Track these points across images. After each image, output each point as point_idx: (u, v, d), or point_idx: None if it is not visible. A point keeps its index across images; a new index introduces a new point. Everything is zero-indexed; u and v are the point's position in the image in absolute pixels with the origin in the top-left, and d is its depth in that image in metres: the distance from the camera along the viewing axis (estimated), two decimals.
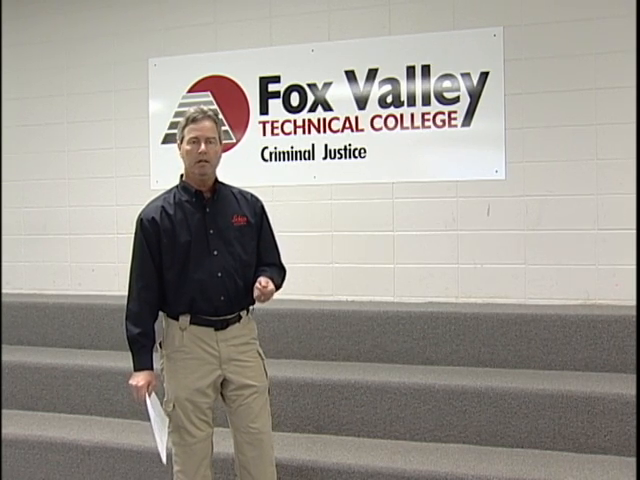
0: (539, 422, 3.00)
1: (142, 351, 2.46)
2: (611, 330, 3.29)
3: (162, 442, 2.42)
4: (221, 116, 4.17)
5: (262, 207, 2.61)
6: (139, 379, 2.44)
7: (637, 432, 2.78)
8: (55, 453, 3.27)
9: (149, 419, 2.45)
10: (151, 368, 2.47)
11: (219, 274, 2.44)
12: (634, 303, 3.43)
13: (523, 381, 3.15)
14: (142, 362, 2.46)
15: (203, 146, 2.41)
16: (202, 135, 2.42)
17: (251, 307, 2.57)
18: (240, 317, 2.51)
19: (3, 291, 4.38)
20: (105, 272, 4.45)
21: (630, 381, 3.07)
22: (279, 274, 2.59)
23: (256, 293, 2.40)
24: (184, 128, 2.45)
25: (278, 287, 2.53)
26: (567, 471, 2.74)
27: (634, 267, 3.43)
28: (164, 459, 2.44)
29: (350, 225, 4.03)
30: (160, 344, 2.53)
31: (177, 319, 2.46)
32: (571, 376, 3.23)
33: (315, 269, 4.08)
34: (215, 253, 2.45)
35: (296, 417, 3.28)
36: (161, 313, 2.53)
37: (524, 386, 3.08)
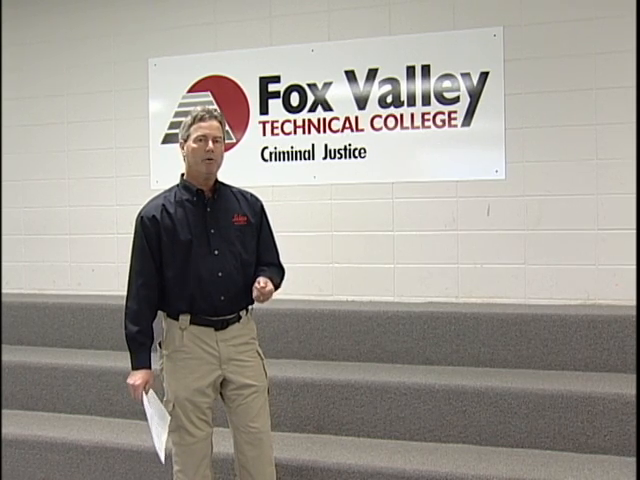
0: (539, 422, 3.00)
1: (140, 350, 2.45)
2: (611, 330, 3.29)
3: (161, 441, 2.41)
4: None
5: (262, 207, 2.62)
6: (136, 378, 2.43)
7: (637, 432, 2.78)
8: (55, 453, 3.27)
9: (146, 419, 2.45)
10: (149, 367, 2.47)
11: (220, 274, 2.44)
12: (634, 303, 3.43)
13: (523, 381, 3.15)
14: (140, 361, 2.45)
15: (211, 144, 2.42)
16: (210, 134, 2.43)
17: (250, 307, 2.57)
18: (240, 317, 2.51)
19: (3, 291, 4.38)
20: (105, 272, 4.45)
21: (630, 381, 3.07)
22: (278, 274, 2.59)
23: (255, 293, 2.41)
24: (190, 126, 2.46)
25: (277, 287, 2.53)
26: (567, 471, 2.74)
27: (634, 267, 3.43)
28: (162, 458, 2.43)
29: (350, 225, 4.03)
30: (160, 344, 2.53)
31: (177, 319, 2.46)
32: (571, 376, 3.23)
33: (315, 269, 4.08)
34: (216, 253, 2.45)
35: (296, 417, 3.27)
36: (161, 313, 2.53)
37: (524, 386, 3.08)
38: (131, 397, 2.48)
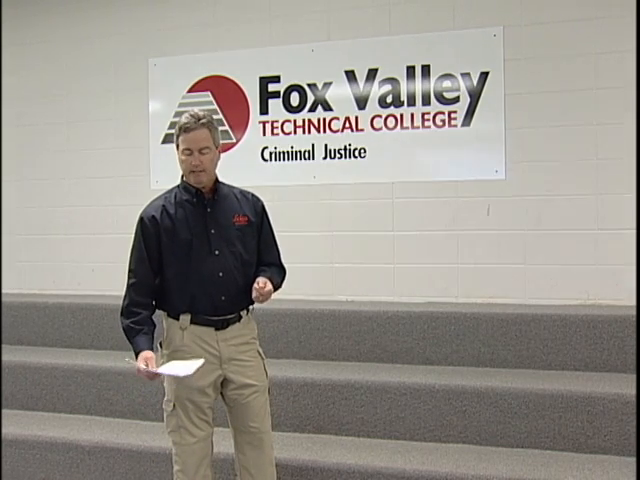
0: (539, 422, 2.99)
1: (137, 336, 2.40)
2: (611, 330, 3.29)
3: (193, 368, 2.30)
4: (220, 116, 4.17)
5: (263, 207, 2.61)
6: (138, 365, 2.35)
7: (637, 432, 2.78)
8: (55, 453, 3.27)
9: (162, 374, 2.36)
10: (147, 349, 2.37)
11: (220, 274, 2.44)
12: (634, 303, 3.42)
13: (523, 381, 3.15)
14: (137, 346, 2.39)
15: (196, 159, 2.39)
16: (195, 147, 2.38)
17: (251, 307, 2.57)
18: (240, 317, 2.51)
19: (3, 291, 4.38)
20: (105, 272, 4.44)
21: (630, 381, 3.07)
22: (279, 274, 2.59)
23: (254, 294, 2.41)
24: (178, 136, 2.42)
25: (277, 287, 2.53)
26: (567, 471, 2.74)
27: (634, 267, 3.43)
28: (199, 364, 2.33)
29: (350, 225, 4.03)
30: (160, 344, 2.52)
31: (177, 319, 2.46)
32: (571, 376, 3.23)
33: (315, 269, 4.07)
34: (216, 253, 2.45)
35: (296, 417, 3.27)
36: (162, 313, 2.53)
37: (524, 386, 3.08)
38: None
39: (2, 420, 3.43)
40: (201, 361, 2.35)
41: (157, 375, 2.36)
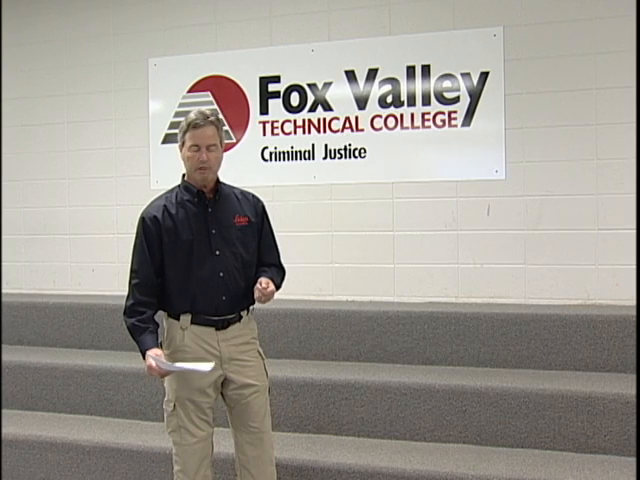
0: (539, 422, 3.00)
1: (143, 334, 2.39)
2: (611, 330, 3.29)
3: (205, 368, 2.33)
4: (221, 116, 4.16)
5: (263, 207, 2.62)
6: (147, 362, 2.35)
7: (637, 432, 2.78)
8: (55, 453, 3.27)
9: (176, 368, 2.36)
10: (155, 347, 2.37)
11: (221, 274, 2.44)
12: (634, 303, 3.43)
13: (523, 381, 3.15)
14: (144, 344, 2.38)
15: (204, 155, 2.40)
16: (203, 143, 2.40)
17: (251, 307, 2.57)
18: (241, 317, 2.51)
19: (3, 291, 4.38)
20: (105, 272, 4.45)
21: (630, 381, 3.07)
22: (279, 274, 2.60)
23: (257, 294, 2.41)
24: (185, 133, 2.43)
25: (278, 287, 2.54)
26: (567, 471, 2.74)
27: (634, 267, 3.43)
28: (211, 366, 2.34)
29: (350, 225, 4.03)
30: (161, 344, 2.52)
31: (178, 319, 2.46)
32: (571, 376, 3.23)
33: (315, 269, 4.08)
34: (217, 253, 2.45)
35: (296, 417, 3.27)
36: (162, 313, 2.53)
37: (524, 386, 3.08)
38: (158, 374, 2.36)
39: (2, 420, 3.43)
40: (212, 363, 2.36)
41: (169, 372, 2.36)
